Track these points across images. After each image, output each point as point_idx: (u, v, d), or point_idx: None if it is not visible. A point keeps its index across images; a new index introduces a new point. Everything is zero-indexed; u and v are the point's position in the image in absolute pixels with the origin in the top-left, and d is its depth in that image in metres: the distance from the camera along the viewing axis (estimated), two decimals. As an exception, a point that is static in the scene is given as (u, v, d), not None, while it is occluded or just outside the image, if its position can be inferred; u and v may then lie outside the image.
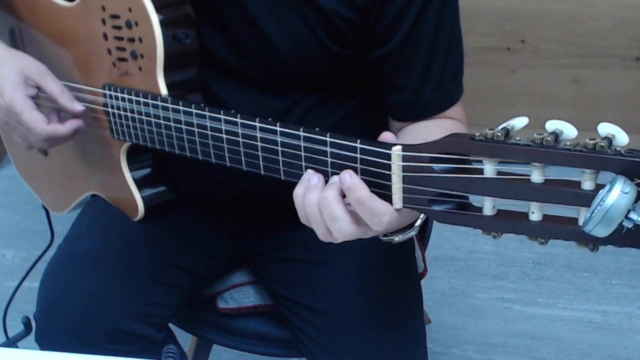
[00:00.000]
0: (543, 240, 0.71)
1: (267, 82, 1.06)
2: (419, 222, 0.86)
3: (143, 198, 1.10)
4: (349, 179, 0.80)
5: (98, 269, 1.19)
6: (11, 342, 1.19)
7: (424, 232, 1.45)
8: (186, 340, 1.51)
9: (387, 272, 1.20)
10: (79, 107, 1.06)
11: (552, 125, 0.70)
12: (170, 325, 1.32)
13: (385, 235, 0.86)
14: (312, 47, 1.01)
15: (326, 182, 0.83)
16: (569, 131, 0.70)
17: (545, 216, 0.71)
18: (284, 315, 1.25)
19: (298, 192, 0.84)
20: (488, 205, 0.73)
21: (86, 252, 1.20)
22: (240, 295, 1.32)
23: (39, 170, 1.35)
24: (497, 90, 2.55)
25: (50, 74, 1.06)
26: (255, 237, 1.26)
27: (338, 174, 0.82)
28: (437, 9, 1.00)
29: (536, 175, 0.70)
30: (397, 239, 0.87)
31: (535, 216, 0.71)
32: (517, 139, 0.71)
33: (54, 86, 1.05)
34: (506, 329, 2.01)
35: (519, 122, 0.73)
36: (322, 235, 0.84)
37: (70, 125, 1.07)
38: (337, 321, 1.17)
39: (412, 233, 0.87)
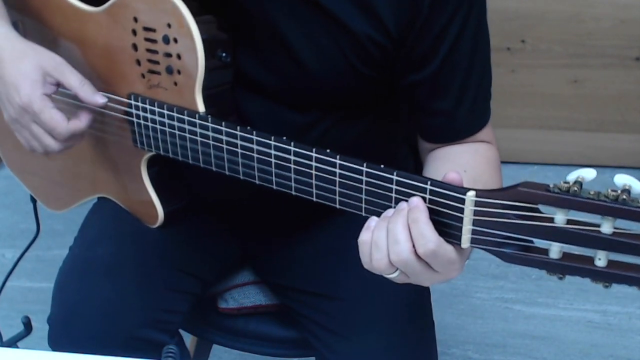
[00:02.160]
0: (607, 284, 0.74)
1: (292, 99, 1.05)
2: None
3: (163, 204, 1.10)
4: (415, 199, 0.82)
5: (112, 276, 1.18)
6: (11, 342, 1.19)
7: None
8: (186, 340, 1.51)
9: None
10: (100, 99, 1.04)
11: (621, 180, 0.72)
12: (171, 325, 1.32)
13: None
14: (341, 68, 1.00)
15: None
16: (637, 186, 0.72)
17: (610, 262, 0.73)
18: (295, 310, 1.24)
19: (365, 239, 0.85)
20: (555, 250, 0.75)
21: (100, 259, 1.19)
22: (241, 295, 1.32)
23: (37, 167, 1.33)
24: (497, 90, 2.53)
25: (68, 66, 1.04)
26: (264, 238, 1.26)
27: None
28: (472, 33, 1.00)
29: (606, 227, 0.72)
30: None
31: (601, 262, 0.73)
32: (590, 193, 0.72)
33: (73, 79, 1.03)
34: (506, 329, 2.01)
35: (589, 174, 0.74)
36: (379, 261, 0.84)
37: (86, 116, 1.05)
38: (351, 305, 1.16)
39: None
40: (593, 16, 2.45)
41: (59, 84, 1.04)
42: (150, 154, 1.07)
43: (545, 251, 0.76)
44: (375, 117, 1.11)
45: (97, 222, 1.27)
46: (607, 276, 0.73)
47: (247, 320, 1.32)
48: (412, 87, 1.03)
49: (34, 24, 1.17)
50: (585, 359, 1.92)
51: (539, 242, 0.77)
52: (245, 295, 1.32)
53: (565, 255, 0.75)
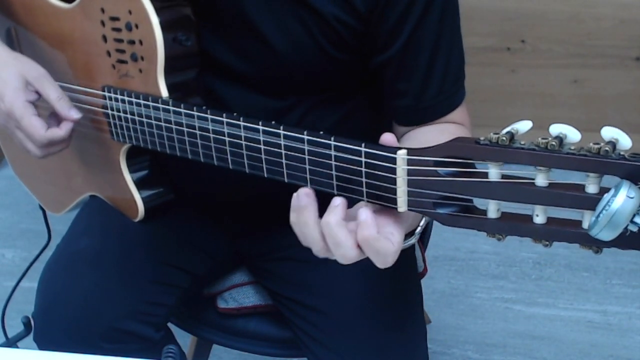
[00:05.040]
0: (547, 243, 0.72)
1: (267, 85, 1.06)
2: (418, 230, 0.87)
3: (143, 199, 1.10)
4: (364, 213, 0.78)
5: (95, 268, 1.19)
6: (11, 342, 1.19)
7: (424, 232, 1.45)
8: (186, 340, 1.51)
9: (387, 271, 1.20)
10: (75, 115, 1.05)
11: (556, 129, 0.70)
12: (171, 325, 1.32)
13: None
14: (311, 51, 1.01)
15: (318, 198, 0.81)
16: (573, 135, 0.70)
17: (549, 219, 0.71)
18: (285, 314, 1.25)
19: (293, 220, 0.82)
20: (492, 208, 0.73)
21: (84, 251, 1.21)
22: (240, 295, 1.32)
23: (36, 170, 1.34)
24: (497, 90, 2.55)
25: (49, 79, 1.06)
26: (254, 237, 1.26)
27: (342, 178, 0.82)
28: (438, 13, 1.00)
29: (540, 179, 0.70)
30: None
31: (539, 219, 0.71)
32: (522, 142, 0.71)
33: (52, 92, 1.05)
34: (506, 329, 2.01)
35: (523, 126, 0.73)
36: (321, 252, 0.82)
37: (66, 126, 1.06)
38: (338, 321, 1.17)
39: (412, 241, 0.87)
40: (593, 16, 2.45)
41: (39, 93, 1.06)
42: (127, 146, 1.08)
43: (484, 212, 0.74)
44: (356, 104, 1.11)
45: (83, 218, 1.28)
46: (547, 233, 0.70)
47: (247, 320, 1.32)
48: (379, 68, 1.04)
49: (24, 30, 1.19)
50: (585, 359, 1.92)
51: (478, 204, 0.75)
52: (245, 295, 1.32)
53: (504, 215, 0.73)
